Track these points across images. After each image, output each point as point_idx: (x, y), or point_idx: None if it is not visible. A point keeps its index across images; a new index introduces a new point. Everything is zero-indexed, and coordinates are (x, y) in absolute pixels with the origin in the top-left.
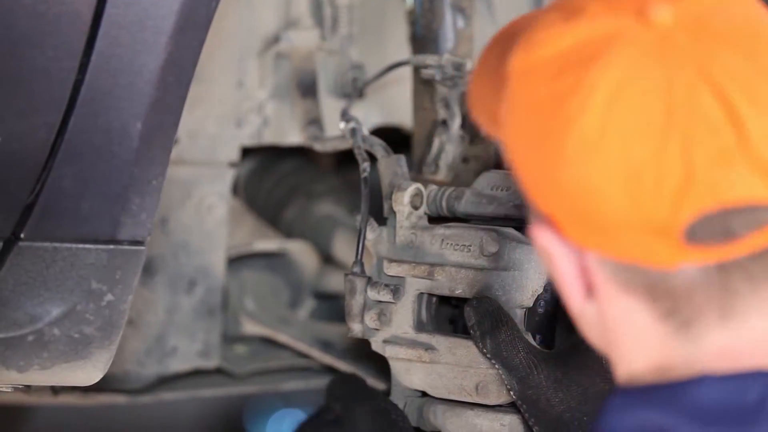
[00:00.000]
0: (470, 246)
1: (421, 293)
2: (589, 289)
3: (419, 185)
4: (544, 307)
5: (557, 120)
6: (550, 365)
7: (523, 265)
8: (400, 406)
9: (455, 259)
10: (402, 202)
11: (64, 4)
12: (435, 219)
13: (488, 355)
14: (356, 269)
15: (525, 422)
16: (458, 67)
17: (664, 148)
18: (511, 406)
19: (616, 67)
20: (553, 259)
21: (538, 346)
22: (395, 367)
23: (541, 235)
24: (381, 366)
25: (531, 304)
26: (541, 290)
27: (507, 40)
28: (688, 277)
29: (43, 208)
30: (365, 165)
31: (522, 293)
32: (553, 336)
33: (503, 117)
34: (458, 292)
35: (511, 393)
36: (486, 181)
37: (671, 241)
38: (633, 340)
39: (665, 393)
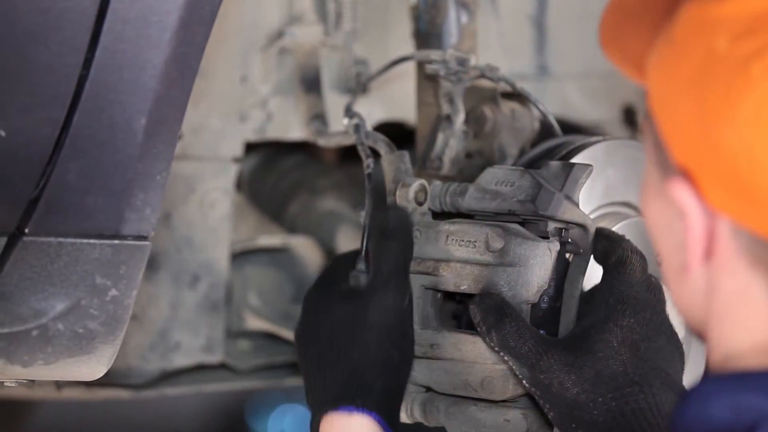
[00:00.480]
0: (475, 242)
1: (426, 289)
2: (708, 255)
3: (423, 181)
4: (548, 302)
5: (736, 79)
6: (559, 350)
7: (528, 260)
8: (405, 401)
9: (460, 255)
10: (406, 198)
11: None
12: (439, 215)
13: (496, 348)
14: (361, 265)
15: (539, 410)
16: (462, 62)
17: None
18: (515, 402)
19: None
20: (685, 216)
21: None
22: None
23: (678, 188)
24: None
25: (536, 300)
26: (545, 286)
27: None
28: None
29: (47, 203)
30: (369, 161)
31: (527, 289)
32: (556, 331)
33: (659, 61)
34: (463, 288)
35: (524, 381)
36: (490, 176)
37: None
38: (743, 316)
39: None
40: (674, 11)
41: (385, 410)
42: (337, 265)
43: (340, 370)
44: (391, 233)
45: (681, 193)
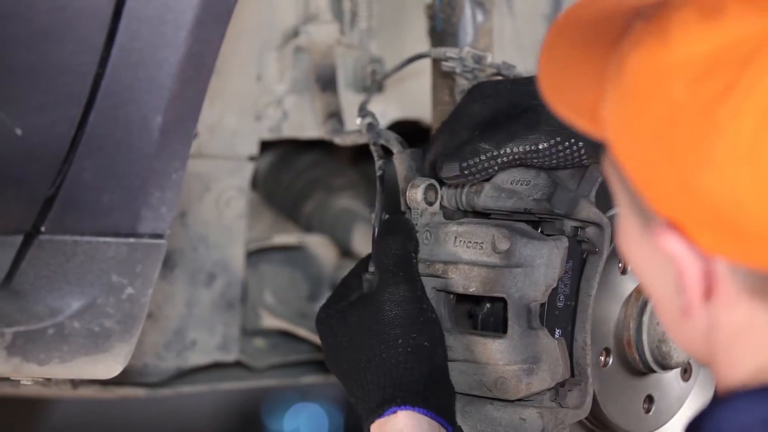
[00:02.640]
0: (482, 243)
1: (438, 291)
2: (708, 295)
3: (433, 181)
4: (564, 301)
5: (703, 125)
6: None
7: (534, 260)
8: None
9: (468, 256)
10: (416, 199)
11: None
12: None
13: None
14: (372, 268)
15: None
16: (479, 59)
17: None
18: (531, 400)
19: None
20: (680, 265)
21: None
22: None
23: (667, 240)
24: None
25: (545, 300)
26: (554, 285)
27: (586, 25)
28: None
29: (63, 201)
30: (380, 163)
31: (535, 289)
32: (572, 329)
33: (616, 112)
34: (472, 290)
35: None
36: (506, 175)
37: None
38: (749, 344)
39: None
40: (616, 54)
41: (430, 399)
42: (342, 284)
43: (375, 373)
44: (387, 231)
45: (671, 244)
